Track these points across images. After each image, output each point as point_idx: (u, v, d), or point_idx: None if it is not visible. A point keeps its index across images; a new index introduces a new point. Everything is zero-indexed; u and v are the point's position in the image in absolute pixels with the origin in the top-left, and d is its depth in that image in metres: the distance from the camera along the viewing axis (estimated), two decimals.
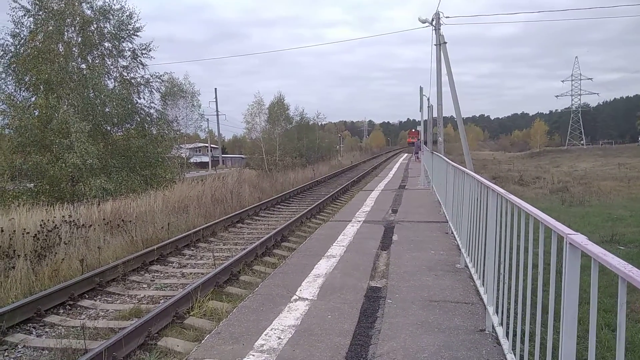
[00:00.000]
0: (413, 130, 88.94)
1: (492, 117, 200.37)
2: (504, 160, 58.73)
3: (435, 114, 21.26)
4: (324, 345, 3.76)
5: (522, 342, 2.76)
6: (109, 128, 18.91)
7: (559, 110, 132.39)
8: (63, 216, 9.53)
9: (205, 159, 59.89)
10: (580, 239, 1.74)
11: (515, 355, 2.97)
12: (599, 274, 1.67)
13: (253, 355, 3.60)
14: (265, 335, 3.98)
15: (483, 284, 4.18)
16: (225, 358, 3.59)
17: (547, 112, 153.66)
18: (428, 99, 24.14)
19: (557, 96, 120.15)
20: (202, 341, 3.99)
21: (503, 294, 3.29)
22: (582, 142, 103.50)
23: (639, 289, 1.27)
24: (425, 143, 21.43)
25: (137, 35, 19.90)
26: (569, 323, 1.84)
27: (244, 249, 8.58)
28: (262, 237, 9.36)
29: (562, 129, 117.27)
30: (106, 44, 19.33)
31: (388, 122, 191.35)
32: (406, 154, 55.54)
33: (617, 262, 1.39)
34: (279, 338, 3.91)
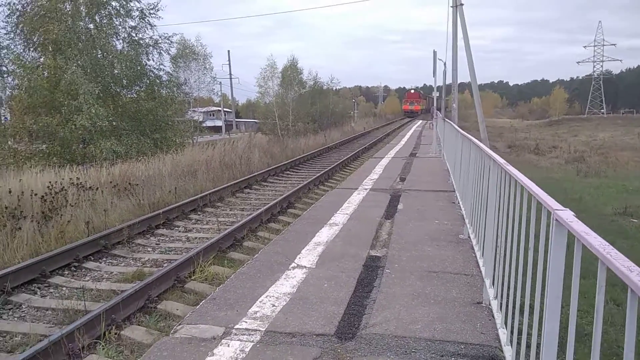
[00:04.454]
0: (412, 91, 76.54)
1: (511, 84, 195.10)
2: (522, 128, 57.62)
3: (449, 79, 20.78)
4: (317, 313, 3.75)
5: (513, 316, 2.70)
6: (118, 90, 18.82)
7: (580, 78, 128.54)
8: (70, 179, 9.60)
9: (219, 123, 59.60)
10: (566, 215, 1.63)
11: (506, 329, 2.92)
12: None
13: (246, 322, 3.61)
14: (260, 302, 3.99)
15: (482, 256, 4.12)
16: (218, 324, 3.60)
17: (568, 79, 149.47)
18: (444, 64, 23.55)
19: (578, 62, 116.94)
20: (197, 307, 4.02)
21: (499, 267, 3.21)
22: (602, 110, 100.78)
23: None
24: (440, 109, 21.03)
25: None
26: (552, 302, 1.76)
27: (250, 214, 8.59)
28: (268, 204, 9.35)
29: (582, 96, 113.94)
30: (114, 3, 19.01)
31: (404, 87, 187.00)
32: (421, 121, 54.61)
33: (599, 243, 1.30)
34: (273, 305, 3.91)
